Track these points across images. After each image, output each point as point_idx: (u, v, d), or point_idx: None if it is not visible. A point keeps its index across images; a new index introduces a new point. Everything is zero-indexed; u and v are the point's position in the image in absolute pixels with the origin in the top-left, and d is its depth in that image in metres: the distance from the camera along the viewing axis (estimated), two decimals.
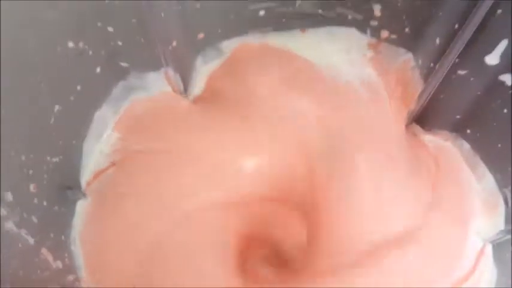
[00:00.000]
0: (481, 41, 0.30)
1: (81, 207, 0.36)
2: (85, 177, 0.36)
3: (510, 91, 0.32)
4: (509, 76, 0.31)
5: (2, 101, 0.25)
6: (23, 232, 0.28)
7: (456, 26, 0.31)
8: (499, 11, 0.28)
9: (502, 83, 0.32)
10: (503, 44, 0.30)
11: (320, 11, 0.37)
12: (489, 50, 0.30)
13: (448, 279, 0.35)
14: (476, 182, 0.37)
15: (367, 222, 0.35)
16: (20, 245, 0.27)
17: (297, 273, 0.37)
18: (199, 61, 0.39)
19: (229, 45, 0.39)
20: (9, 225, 0.26)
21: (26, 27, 0.26)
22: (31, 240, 0.28)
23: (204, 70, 0.39)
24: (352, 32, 0.39)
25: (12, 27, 0.25)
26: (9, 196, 0.27)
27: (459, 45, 0.31)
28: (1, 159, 0.25)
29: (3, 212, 0.26)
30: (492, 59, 0.31)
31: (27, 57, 0.27)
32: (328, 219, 0.35)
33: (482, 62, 0.31)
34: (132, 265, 0.35)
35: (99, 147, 0.36)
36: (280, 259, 0.38)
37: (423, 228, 0.35)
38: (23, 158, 0.28)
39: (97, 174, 0.36)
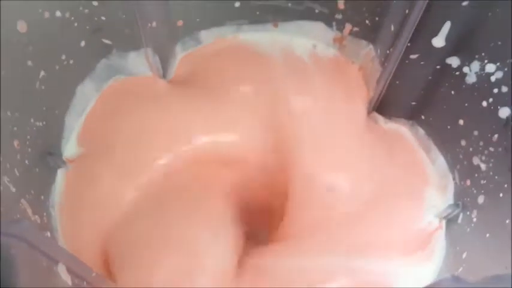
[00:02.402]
0: (428, 23, 0.33)
1: (61, 175, 0.38)
2: (66, 148, 0.38)
3: (456, 73, 0.35)
4: (455, 59, 0.35)
5: None
6: (5, 179, 0.30)
7: (407, 11, 0.34)
8: None
9: (449, 65, 0.35)
10: (446, 26, 0.33)
11: (290, 4, 0.41)
12: (435, 33, 0.33)
13: (403, 249, 0.37)
14: (431, 164, 0.40)
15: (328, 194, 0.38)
16: (1, 188, 0.29)
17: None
18: (178, 48, 0.42)
19: (207, 36, 0.42)
20: None
21: None
22: (12, 188, 0.31)
23: (182, 57, 0.42)
24: (320, 26, 0.42)
25: None
26: None
27: (409, 29, 0.34)
28: None
29: None
30: (438, 41, 0.34)
31: (16, 19, 0.29)
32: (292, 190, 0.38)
33: (430, 45, 0.34)
34: (104, 234, 0.37)
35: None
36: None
37: (380, 199, 0.38)
38: (9, 113, 0.31)
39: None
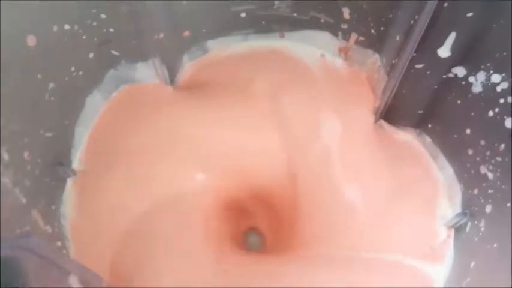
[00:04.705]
0: (433, 34, 0.33)
1: (71, 185, 0.38)
2: (76, 158, 0.39)
3: (463, 83, 0.35)
4: (461, 68, 0.35)
5: (3, 70, 0.28)
6: (17, 190, 0.31)
7: (412, 22, 0.34)
8: (446, 4, 0.31)
9: (455, 75, 0.35)
10: (452, 37, 0.33)
11: (295, 14, 0.41)
12: (440, 43, 0.34)
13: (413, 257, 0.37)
14: (439, 172, 0.40)
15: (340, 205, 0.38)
16: (13, 199, 0.30)
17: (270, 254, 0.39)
18: (185, 58, 0.42)
19: (214, 45, 0.43)
20: (5, 180, 0.29)
21: (28, 6, 0.29)
22: (23, 200, 0.31)
23: (189, 66, 0.42)
24: (326, 36, 0.42)
25: (16, 5, 0.28)
26: (5, 156, 0.30)
27: (414, 39, 0.34)
28: (1, 120, 0.28)
29: (2, 168, 0.29)
30: (444, 51, 0.34)
31: (26, 33, 0.30)
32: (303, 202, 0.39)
33: (436, 55, 0.35)
34: (113, 245, 0.37)
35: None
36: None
37: (390, 207, 0.38)
38: (19, 125, 0.31)
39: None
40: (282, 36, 0.43)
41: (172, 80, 0.41)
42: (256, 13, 0.41)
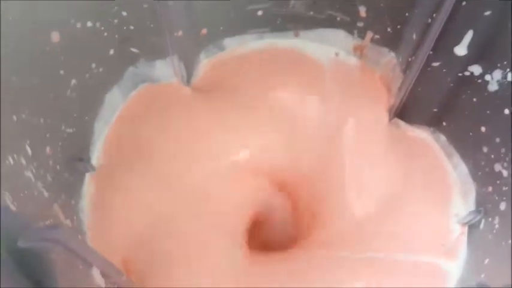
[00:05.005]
0: (450, 32, 0.34)
1: (89, 180, 0.39)
2: (95, 154, 0.39)
3: (479, 81, 0.35)
4: (477, 67, 0.35)
5: (29, 66, 0.29)
6: (39, 184, 0.31)
7: (429, 20, 0.35)
8: (464, 2, 0.31)
9: (471, 73, 0.35)
10: (469, 35, 0.33)
11: (312, 12, 0.41)
12: (457, 41, 0.34)
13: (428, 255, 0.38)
14: (453, 170, 0.41)
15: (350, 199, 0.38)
16: (36, 193, 0.30)
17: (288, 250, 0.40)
18: (202, 55, 0.43)
19: (231, 43, 0.43)
20: (28, 173, 0.30)
21: (53, 3, 0.30)
22: (46, 193, 0.32)
23: (206, 63, 0.43)
24: (341, 34, 0.43)
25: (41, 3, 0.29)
26: (28, 150, 0.30)
27: (431, 37, 0.34)
28: (24, 115, 0.29)
29: (23, 161, 0.29)
30: (460, 50, 0.34)
31: (51, 29, 0.31)
32: (315, 197, 0.39)
33: (452, 53, 0.35)
34: (129, 241, 0.38)
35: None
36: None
37: (405, 205, 0.38)
38: (42, 120, 0.32)
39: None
40: (297, 35, 0.43)
41: (189, 78, 0.41)
42: (272, 11, 0.41)
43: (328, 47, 0.43)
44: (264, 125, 0.40)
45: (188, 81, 0.42)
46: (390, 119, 0.42)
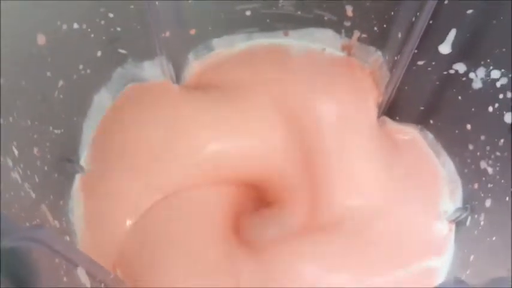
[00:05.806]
0: (434, 31, 0.34)
1: (79, 180, 0.39)
2: (83, 154, 0.40)
3: (463, 79, 0.36)
4: (462, 65, 0.35)
5: (15, 69, 0.29)
6: (26, 185, 0.31)
7: (413, 19, 0.35)
8: (446, 1, 0.32)
9: (456, 71, 0.36)
10: (452, 33, 0.34)
11: (299, 12, 0.42)
12: (441, 40, 0.34)
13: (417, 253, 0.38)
14: (441, 167, 0.41)
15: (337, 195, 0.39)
16: (22, 194, 0.30)
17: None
18: (191, 56, 0.43)
19: (219, 43, 0.43)
20: (14, 175, 0.30)
21: (39, 5, 0.30)
22: (33, 194, 0.32)
23: (195, 64, 0.43)
24: (329, 33, 0.43)
25: (26, 4, 0.29)
26: (15, 151, 0.31)
27: (415, 36, 0.35)
28: (11, 117, 0.29)
29: (10, 162, 0.30)
30: (445, 48, 0.35)
31: (36, 31, 0.31)
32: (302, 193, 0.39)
33: (437, 52, 0.35)
34: (120, 240, 0.38)
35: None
36: None
37: (394, 204, 0.38)
38: (29, 122, 0.32)
39: None
40: (286, 35, 0.44)
41: (178, 78, 0.42)
42: (260, 12, 0.41)
43: (316, 46, 0.43)
44: (252, 123, 0.40)
45: (177, 82, 0.42)
46: (378, 117, 0.42)
